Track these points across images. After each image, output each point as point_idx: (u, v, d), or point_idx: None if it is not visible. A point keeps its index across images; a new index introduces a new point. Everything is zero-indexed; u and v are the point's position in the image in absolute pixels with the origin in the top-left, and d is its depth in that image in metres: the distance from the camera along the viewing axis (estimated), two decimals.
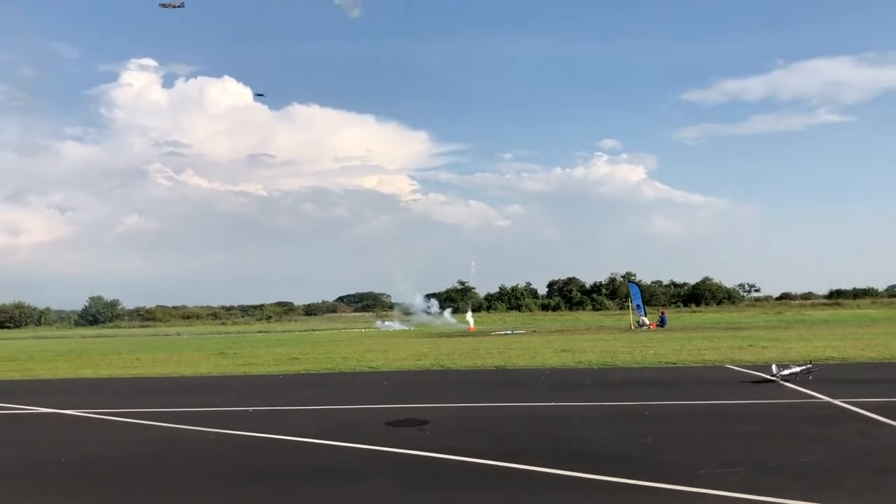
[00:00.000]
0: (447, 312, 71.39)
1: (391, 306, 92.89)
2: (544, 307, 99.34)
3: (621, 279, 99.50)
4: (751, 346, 21.72)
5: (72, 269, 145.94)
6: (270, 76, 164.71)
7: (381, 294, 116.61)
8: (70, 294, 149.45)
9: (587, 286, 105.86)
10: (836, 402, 10.86)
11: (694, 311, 78.53)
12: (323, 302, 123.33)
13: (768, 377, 13.32)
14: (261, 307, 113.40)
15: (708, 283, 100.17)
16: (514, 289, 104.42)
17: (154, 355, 26.95)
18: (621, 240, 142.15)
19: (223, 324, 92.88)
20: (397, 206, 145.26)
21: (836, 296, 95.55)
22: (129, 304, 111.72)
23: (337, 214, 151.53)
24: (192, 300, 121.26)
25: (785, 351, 19.54)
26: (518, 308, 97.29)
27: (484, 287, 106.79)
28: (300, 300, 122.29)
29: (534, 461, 7.45)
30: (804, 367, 13.52)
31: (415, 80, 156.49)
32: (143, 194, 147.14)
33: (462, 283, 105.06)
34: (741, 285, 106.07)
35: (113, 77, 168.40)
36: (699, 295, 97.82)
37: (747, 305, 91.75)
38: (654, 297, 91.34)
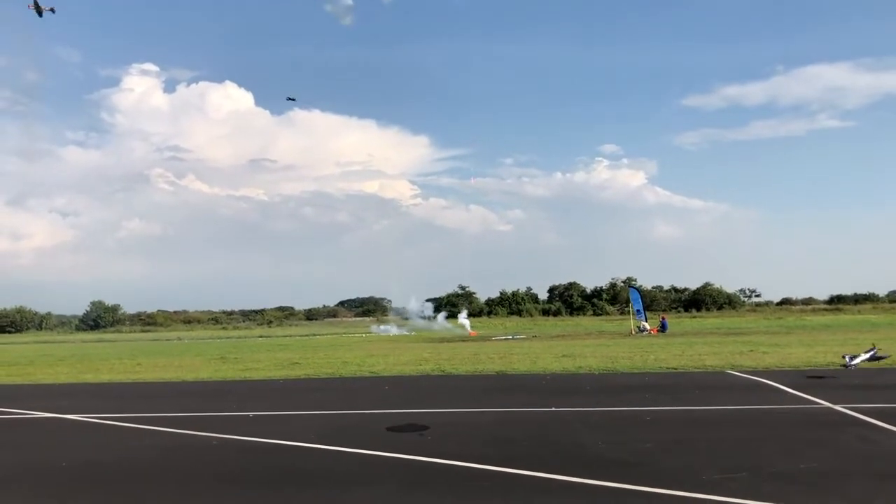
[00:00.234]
0: (441, 316, 71.43)
1: (385, 311, 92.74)
2: (545, 312, 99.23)
3: (622, 284, 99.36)
4: (751, 351, 21.70)
5: (73, 274, 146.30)
6: (271, 81, 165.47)
7: (382, 299, 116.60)
8: (71, 299, 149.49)
9: (588, 291, 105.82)
10: (837, 407, 10.85)
11: (695, 317, 78.42)
12: (324, 307, 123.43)
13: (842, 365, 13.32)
14: (262, 312, 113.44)
15: (709, 288, 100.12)
16: (514, 294, 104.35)
17: (155, 360, 26.94)
18: (622, 245, 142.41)
19: (224, 328, 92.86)
20: (398, 210, 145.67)
21: (837, 301, 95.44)
22: (130, 308, 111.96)
23: (338, 219, 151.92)
24: (193, 305, 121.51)
25: (786, 356, 19.52)
26: (519, 313, 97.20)
27: (485, 292, 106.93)
28: (301, 305, 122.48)
29: (535, 466, 7.45)
30: (871, 352, 13.61)
31: (416, 86, 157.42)
32: (145, 199, 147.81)
33: (463, 288, 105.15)
34: (742, 290, 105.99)
35: (115, 82, 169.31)
36: (700, 300, 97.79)
37: (748, 310, 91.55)
38: (655, 302, 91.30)
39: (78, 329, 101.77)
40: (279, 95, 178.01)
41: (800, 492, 6.43)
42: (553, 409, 11.58)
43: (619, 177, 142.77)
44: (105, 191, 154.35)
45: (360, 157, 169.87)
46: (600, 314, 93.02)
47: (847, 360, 13.36)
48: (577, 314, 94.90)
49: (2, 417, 12.70)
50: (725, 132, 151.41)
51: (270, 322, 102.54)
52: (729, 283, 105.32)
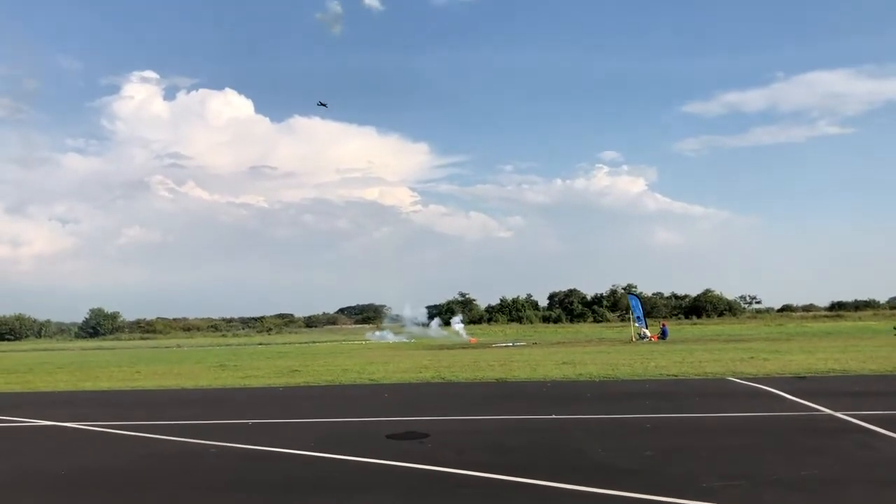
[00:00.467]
0: (434, 323, 71.45)
1: (378, 318, 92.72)
2: (545, 319, 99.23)
3: (622, 291, 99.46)
4: (752, 358, 21.67)
5: (73, 281, 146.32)
6: (272, 89, 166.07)
7: (382, 306, 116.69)
8: (71, 306, 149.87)
9: (588, 298, 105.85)
10: (838, 414, 10.83)
11: (695, 323, 78.42)
12: (323, 314, 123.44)
13: None
14: (261, 319, 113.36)
15: (709, 294, 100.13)
16: (514, 300, 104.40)
17: (154, 368, 26.89)
18: (622, 251, 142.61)
19: (223, 336, 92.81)
20: (398, 217, 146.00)
21: (838, 308, 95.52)
22: (129, 315, 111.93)
23: (338, 226, 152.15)
24: (192, 312, 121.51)
25: (786, 363, 19.50)
26: (519, 320, 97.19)
27: (485, 299, 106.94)
28: (301, 312, 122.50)
29: (535, 474, 7.42)
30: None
31: (416, 93, 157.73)
32: (145, 206, 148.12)
33: (463, 295, 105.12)
34: (742, 297, 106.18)
35: (115, 89, 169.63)
36: (700, 307, 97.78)
37: (748, 317, 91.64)
38: (656, 308, 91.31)
39: (77, 336, 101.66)
40: (279, 103, 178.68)
41: (801, 499, 6.40)
42: (553, 416, 11.55)
43: (620, 183, 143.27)
44: (105, 198, 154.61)
45: (360, 164, 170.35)
46: (601, 321, 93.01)
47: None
48: (578, 321, 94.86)
49: (1, 426, 12.67)
50: (725, 139, 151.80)
51: (270, 329, 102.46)
52: (729, 290, 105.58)
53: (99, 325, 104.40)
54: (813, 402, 12.04)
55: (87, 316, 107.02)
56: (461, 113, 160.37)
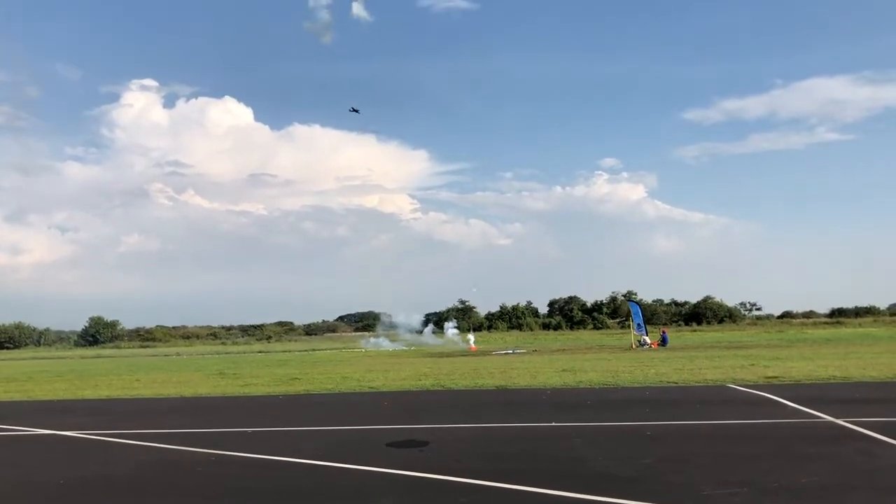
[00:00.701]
0: (427, 330, 71.43)
1: (374, 325, 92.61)
2: (545, 326, 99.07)
3: (622, 298, 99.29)
4: (752, 365, 21.64)
5: (72, 289, 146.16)
6: (271, 97, 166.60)
7: (382, 313, 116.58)
8: (70, 314, 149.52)
9: (588, 305, 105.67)
10: (839, 421, 10.81)
11: (695, 330, 78.33)
12: (323, 321, 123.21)
13: None
14: (261, 327, 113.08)
15: (709, 301, 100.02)
16: (514, 308, 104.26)
17: (153, 376, 26.84)
18: (622, 258, 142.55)
19: (223, 344, 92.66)
20: (398, 225, 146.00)
21: (838, 314, 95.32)
22: (128, 324, 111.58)
23: (338, 234, 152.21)
24: (192, 320, 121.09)
25: (787, 370, 19.47)
26: (519, 327, 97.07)
27: (485, 306, 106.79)
28: (300, 320, 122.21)
29: (535, 482, 7.41)
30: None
31: (415, 100, 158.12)
32: (144, 214, 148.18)
33: (463, 302, 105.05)
34: (742, 304, 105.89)
35: (114, 98, 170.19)
36: (700, 314, 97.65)
37: (749, 324, 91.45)
38: (656, 315, 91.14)
39: (76, 345, 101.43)
40: (279, 111, 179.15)
41: None
42: (553, 424, 11.52)
43: (619, 190, 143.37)
44: (104, 206, 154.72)
45: (360, 171, 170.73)
46: (601, 328, 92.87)
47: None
48: (578, 328, 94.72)
49: (0, 434, 12.65)
50: (725, 146, 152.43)
51: (270, 337, 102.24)
52: (729, 297, 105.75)
53: (98, 334, 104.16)
54: (814, 409, 12.02)
55: (87, 324, 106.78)
56: (461, 120, 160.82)
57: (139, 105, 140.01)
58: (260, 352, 61.07)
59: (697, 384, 17.00)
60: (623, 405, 13.71)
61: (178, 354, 61.50)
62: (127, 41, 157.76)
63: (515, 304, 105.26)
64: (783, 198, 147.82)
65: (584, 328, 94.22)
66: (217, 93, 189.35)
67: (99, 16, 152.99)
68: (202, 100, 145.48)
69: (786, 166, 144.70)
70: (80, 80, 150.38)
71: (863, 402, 13.14)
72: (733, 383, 16.69)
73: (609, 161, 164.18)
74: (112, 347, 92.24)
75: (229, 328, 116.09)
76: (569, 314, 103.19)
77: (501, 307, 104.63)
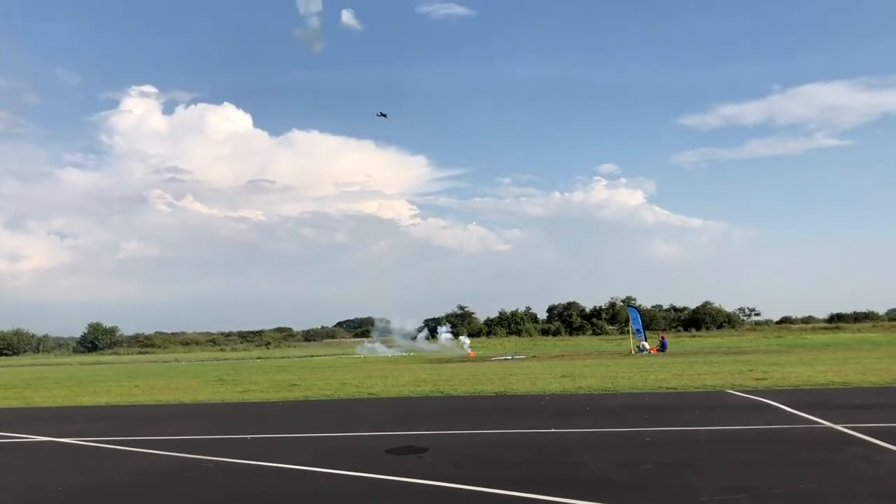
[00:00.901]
0: (421, 336, 71.36)
1: (367, 332, 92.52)
2: (544, 332, 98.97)
3: (621, 303, 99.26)
4: (751, 370, 21.63)
5: (71, 296, 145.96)
6: (270, 103, 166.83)
7: (381, 319, 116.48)
8: (69, 320, 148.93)
9: (587, 311, 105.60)
10: (838, 427, 10.81)
11: (694, 336, 78.24)
12: (322, 327, 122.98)
13: None
14: (260, 333, 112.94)
15: (708, 307, 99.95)
16: (513, 313, 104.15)
17: (152, 382, 26.79)
18: (621, 264, 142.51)
19: (222, 350, 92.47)
20: (397, 230, 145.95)
21: (837, 319, 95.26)
22: (127, 330, 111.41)
23: (337, 239, 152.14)
24: (191, 326, 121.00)
25: (786, 375, 19.47)
26: (518, 333, 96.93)
27: (484, 312, 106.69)
28: (299, 326, 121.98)
29: (534, 489, 7.40)
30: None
31: (414, 106, 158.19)
32: (143, 220, 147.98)
33: (462, 308, 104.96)
34: (741, 309, 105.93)
35: (114, 104, 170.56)
36: (699, 319, 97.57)
37: (747, 329, 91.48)
38: (655, 321, 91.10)
39: (75, 351, 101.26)
40: (278, 117, 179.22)
41: None
42: (553, 430, 11.52)
43: (618, 196, 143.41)
44: (103, 212, 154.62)
45: (359, 177, 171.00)
46: (600, 334, 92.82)
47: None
48: (577, 334, 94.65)
49: None
50: (723, 151, 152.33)
51: (269, 343, 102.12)
52: (728, 302, 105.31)
53: (97, 340, 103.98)
54: (813, 415, 12.02)
55: (86, 330, 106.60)
56: (459, 126, 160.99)
57: (138, 111, 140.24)
58: (259, 358, 61.00)
59: (696, 390, 17.00)
60: (622, 411, 13.71)
61: (177, 361, 61.39)
62: (126, 47, 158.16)
63: (514, 309, 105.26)
64: (782, 203, 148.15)
65: (583, 334, 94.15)
66: (216, 99, 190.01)
67: (99, 22, 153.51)
68: (201, 106, 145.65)
69: (784, 172, 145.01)
70: (80, 85, 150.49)
71: (862, 407, 13.15)
72: (732, 389, 16.69)
73: (607, 167, 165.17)
74: (111, 354, 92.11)
75: (228, 334, 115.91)
76: (568, 320, 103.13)
77: (500, 313, 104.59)
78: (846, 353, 32.16)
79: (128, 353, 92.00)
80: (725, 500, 6.82)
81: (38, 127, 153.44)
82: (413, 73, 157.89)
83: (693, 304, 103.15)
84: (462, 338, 63.68)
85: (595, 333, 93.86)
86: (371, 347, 63.64)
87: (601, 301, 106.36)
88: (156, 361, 61.09)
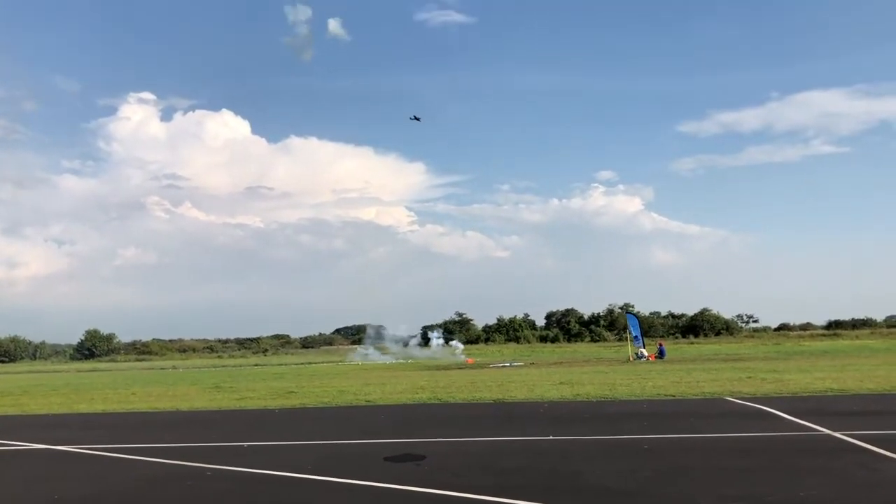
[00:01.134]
0: (413, 341, 71.30)
1: (355, 340, 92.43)
2: (542, 339, 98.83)
3: (619, 310, 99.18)
4: (750, 377, 21.63)
5: (68, 302, 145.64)
6: (268, 109, 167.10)
7: (379, 326, 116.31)
8: (66, 327, 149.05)
9: (585, 317, 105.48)
10: (837, 434, 10.80)
11: (692, 343, 78.27)
12: (320, 334, 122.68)
13: None
14: (257, 340, 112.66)
15: (706, 314, 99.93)
16: (512, 320, 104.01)
17: (149, 389, 26.72)
18: (619, 271, 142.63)
19: (219, 357, 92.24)
20: (395, 237, 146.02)
21: (835, 326, 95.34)
22: (125, 337, 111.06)
23: (335, 246, 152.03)
24: (188, 333, 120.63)
25: (784, 383, 19.46)
26: (516, 340, 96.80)
27: (482, 318, 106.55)
28: (297, 333, 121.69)
29: (533, 496, 7.38)
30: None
31: (413, 113, 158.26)
32: (141, 227, 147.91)
33: (460, 315, 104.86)
34: (739, 316, 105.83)
35: (112, 111, 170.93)
36: (697, 326, 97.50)
37: (746, 336, 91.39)
38: (653, 328, 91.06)
39: (72, 358, 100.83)
40: (276, 123, 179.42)
41: None
42: (551, 437, 11.49)
43: (616, 203, 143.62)
44: (101, 219, 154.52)
45: (357, 183, 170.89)
46: (598, 340, 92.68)
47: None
48: (575, 340, 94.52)
49: None
50: (721, 158, 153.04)
51: (266, 350, 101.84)
52: (726, 309, 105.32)
53: (94, 347, 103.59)
54: (811, 422, 12.01)
55: (83, 337, 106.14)
56: (458, 133, 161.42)
57: (136, 118, 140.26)
58: (256, 365, 60.87)
59: (695, 397, 16.99)
60: (620, 418, 13.69)
61: (174, 368, 61.23)
62: (125, 55, 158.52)
63: (513, 316, 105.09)
64: (779, 210, 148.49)
65: (582, 341, 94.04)
66: (214, 106, 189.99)
67: (97, 29, 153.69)
68: (199, 113, 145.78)
69: (782, 178, 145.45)
70: (78, 92, 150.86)
71: (860, 414, 13.14)
72: (731, 396, 16.68)
73: (605, 174, 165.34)
74: (108, 361, 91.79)
75: (226, 341, 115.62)
76: (566, 326, 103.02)
77: (498, 319, 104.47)
78: (844, 359, 32.17)
79: (125, 361, 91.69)
80: None
81: (36, 133, 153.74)
82: (411, 80, 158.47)
83: (691, 310, 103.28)
84: (453, 343, 63.48)
85: (593, 340, 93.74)
86: (364, 354, 63.43)
87: (599, 308, 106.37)
88: (153, 368, 60.95)
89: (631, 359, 39.94)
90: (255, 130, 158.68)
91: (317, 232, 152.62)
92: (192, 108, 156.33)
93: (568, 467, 9.07)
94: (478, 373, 32.34)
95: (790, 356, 39.06)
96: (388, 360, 58.70)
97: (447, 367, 40.95)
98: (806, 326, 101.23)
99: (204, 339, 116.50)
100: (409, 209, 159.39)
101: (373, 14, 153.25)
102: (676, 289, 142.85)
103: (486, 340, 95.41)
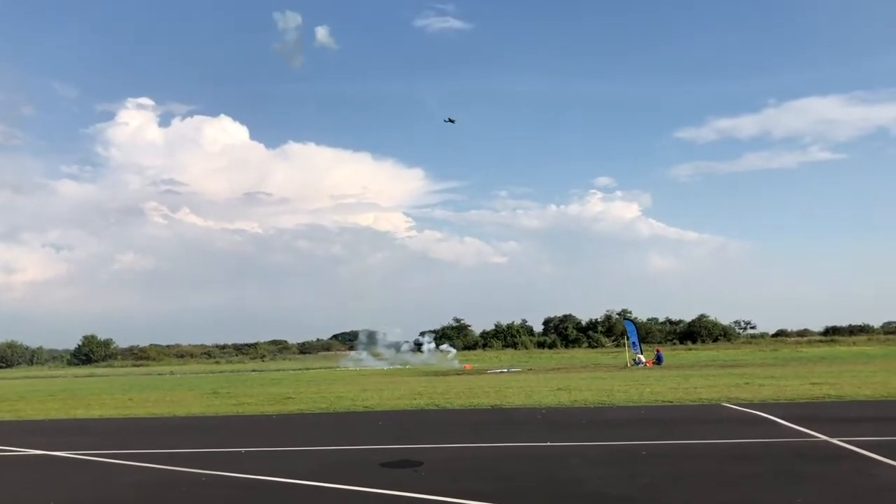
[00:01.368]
0: (406, 346, 71.28)
1: (352, 346, 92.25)
2: (540, 345, 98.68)
3: (617, 316, 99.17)
4: (747, 383, 21.63)
5: (66, 308, 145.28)
6: (266, 115, 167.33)
7: (377, 332, 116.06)
8: (63, 333, 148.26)
9: (583, 323, 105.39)
10: (834, 440, 10.81)
11: (690, 349, 78.18)
12: (318, 340, 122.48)
13: None
14: (255, 346, 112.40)
15: (704, 320, 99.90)
16: (509, 326, 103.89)
17: (147, 395, 26.65)
18: (617, 277, 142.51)
19: (217, 362, 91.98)
20: (393, 243, 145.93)
21: (832, 332, 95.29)
22: (122, 342, 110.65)
23: (333, 252, 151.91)
24: (186, 338, 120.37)
25: (782, 388, 19.48)
26: (514, 346, 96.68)
27: (479, 324, 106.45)
28: (295, 338, 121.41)
29: (530, 502, 7.38)
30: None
31: (411, 118, 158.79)
32: (139, 232, 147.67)
33: (458, 320, 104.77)
34: (737, 322, 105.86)
35: (110, 116, 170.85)
36: (695, 332, 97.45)
37: (743, 342, 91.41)
38: (650, 334, 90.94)
39: (70, 364, 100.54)
40: (274, 129, 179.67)
41: None
42: (548, 443, 11.49)
43: (613, 209, 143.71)
44: (99, 224, 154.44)
45: (355, 189, 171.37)
46: (595, 346, 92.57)
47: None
48: (573, 346, 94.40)
49: None
50: (718, 164, 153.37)
51: (264, 356, 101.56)
52: (724, 315, 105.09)
53: (92, 352, 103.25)
54: (809, 429, 12.02)
55: (80, 343, 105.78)
56: (456, 139, 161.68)
57: (135, 123, 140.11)
58: (254, 370, 60.72)
59: (692, 403, 16.99)
60: (618, 424, 13.69)
61: (171, 373, 61.06)
62: (123, 60, 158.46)
63: (510, 322, 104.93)
64: (777, 216, 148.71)
65: (579, 347, 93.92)
66: (212, 111, 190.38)
67: (95, 35, 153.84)
68: (198, 118, 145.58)
69: (779, 185, 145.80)
70: (76, 98, 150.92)
71: (857, 420, 13.15)
72: (728, 402, 16.69)
73: (603, 180, 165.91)
74: (105, 366, 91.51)
75: (223, 347, 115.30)
76: (564, 332, 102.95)
77: (496, 325, 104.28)
78: (842, 366, 32.19)
79: (122, 366, 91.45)
80: None
81: (35, 139, 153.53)
82: (410, 87, 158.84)
83: (689, 317, 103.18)
84: (444, 346, 63.25)
85: (591, 346, 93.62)
86: (357, 359, 63.25)
87: (597, 314, 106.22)
88: (150, 374, 60.77)
89: (629, 365, 39.91)
90: (253, 136, 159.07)
91: (315, 237, 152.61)
92: (191, 114, 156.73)
93: (566, 473, 9.07)
94: (475, 379, 32.31)
95: (787, 362, 39.06)
96: (383, 365, 58.53)
97: (445, 373, 40.90)
98: (803, 333, 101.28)
99: (201, 345, 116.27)
100: (407, 215, 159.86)
101: (372, 20, 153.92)
102: (674, 295, 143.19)
103: (484, 346, 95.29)
